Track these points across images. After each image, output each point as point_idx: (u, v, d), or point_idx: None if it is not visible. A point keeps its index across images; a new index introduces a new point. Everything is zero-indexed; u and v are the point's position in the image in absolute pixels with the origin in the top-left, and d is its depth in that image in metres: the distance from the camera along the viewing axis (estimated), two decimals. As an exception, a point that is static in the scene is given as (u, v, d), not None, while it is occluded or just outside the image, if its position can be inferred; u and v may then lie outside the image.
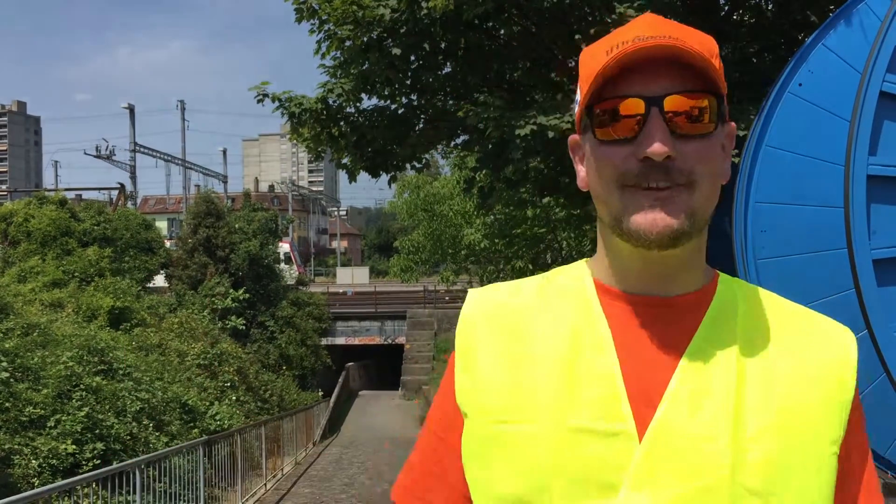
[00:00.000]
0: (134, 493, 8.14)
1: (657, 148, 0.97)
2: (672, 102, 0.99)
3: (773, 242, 6.18)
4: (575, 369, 1.03)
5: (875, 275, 4.88)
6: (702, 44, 1.01)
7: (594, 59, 1.03)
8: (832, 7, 8.39)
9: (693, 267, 1.08)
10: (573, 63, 10.51)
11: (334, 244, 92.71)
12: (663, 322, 1.05)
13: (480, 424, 1.06)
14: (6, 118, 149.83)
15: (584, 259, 1.17)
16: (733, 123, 1.09)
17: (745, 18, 10.45)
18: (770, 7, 10.15)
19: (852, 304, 5.13)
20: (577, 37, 9.75)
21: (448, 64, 9.61)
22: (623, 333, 1.05)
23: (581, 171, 1.11)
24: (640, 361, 1.02)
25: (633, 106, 0.99)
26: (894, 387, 4.94)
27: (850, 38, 6.31)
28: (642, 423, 0.99)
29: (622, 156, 1.01)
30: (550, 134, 7.40)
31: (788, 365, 1.03)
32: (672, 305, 1.06)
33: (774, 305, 1.10)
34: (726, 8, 9.80)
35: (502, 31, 8.97)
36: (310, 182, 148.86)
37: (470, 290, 1.20)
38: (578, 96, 1.08)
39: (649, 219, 0.99)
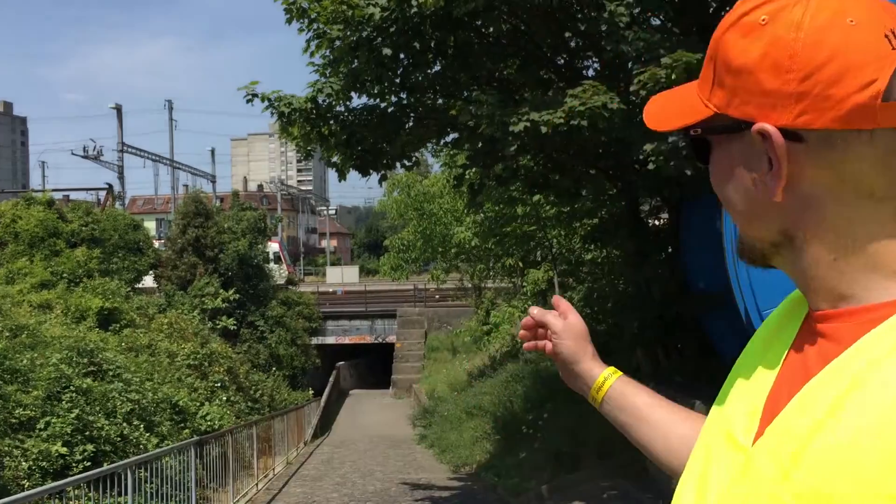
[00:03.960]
0: (125, 494, 8.11)
1: None
2: None
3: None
4: (753, 373, 0.97)
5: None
6: None
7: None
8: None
9: (826, 279, 0.89)
10: (562, 60, 10.53)
11: (324, 243, 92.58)
12: (815, 339, 0.91)
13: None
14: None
15: None
16: None
17: (713, 26, 10.47)
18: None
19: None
20: (566, 34, 9.77)
21: (438, 62, 9.60)
22: (798, 346, 0.94)
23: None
24: (786, 381, 0.92)
25: None
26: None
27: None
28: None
29: None
30: (543, 129, 7.40)
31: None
32: (823, 319, 0.90)
33: None
34: (714, 5, 9.82)
35: (492, 29, 8.96)
36: (299, 181, 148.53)
37: None
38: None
39: None
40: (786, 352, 0.94)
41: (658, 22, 9.57)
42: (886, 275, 0.86)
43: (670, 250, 10.69)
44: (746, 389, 0.97)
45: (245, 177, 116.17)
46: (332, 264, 75.45)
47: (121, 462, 8.76)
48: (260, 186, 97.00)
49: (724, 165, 0.91)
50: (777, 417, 0.88)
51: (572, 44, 10.03)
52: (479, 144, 8.96)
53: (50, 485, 7.34)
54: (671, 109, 0.94)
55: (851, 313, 0.87)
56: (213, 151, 58.48)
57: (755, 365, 0.98)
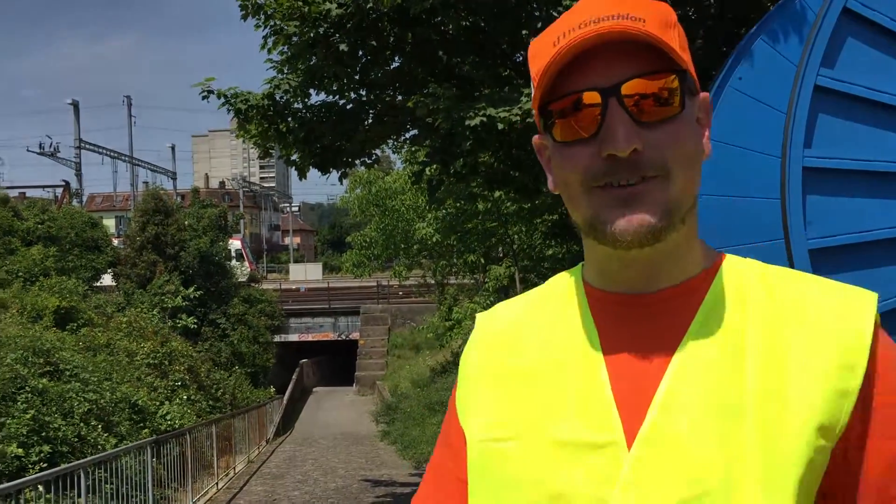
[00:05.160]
0: (80, 495, 8.02)
1: (620, 144, 0.90)
2: (630, 89, 0.91)
3: (713, 234, 6.30)
4: (560, 379, 0.98)
5: (811, 264, 5.02)
6: (655, 16, 0.94)
7: (542, 52, 0.96)
8: (771, 2, 8.57)
9: (681, 256, 0.99)
10: (520, 58, 10.58)
11: (287, 240, 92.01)
12: (650, 320, 0.98)
13: (476, 444, 1.02)
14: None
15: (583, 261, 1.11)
16: (706, 94, 1.01)
17: (689, 14, 10.61)
18: (712, 1, 10.30)
19: (790, 292, 5.26)
20: (524, 32, 9.82)
21: (396, 58, 9.59)
22: (611, 337, 0.99)
23: (550, 174, 1.03)
24: (628, 365, 0.96)
25: (589, 100, 0.92)
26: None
27: (787, 33, 6.48)
28: (632, 431, 0.92)
29: (585, 156, 0.94)
30: (500, 125, 7.44)
31: (792, 354, 0.92)
32: (658, 300, 0.98)
33: (788, 285, 0.98)
34: (668, 2, 9.94)
35: (450, 26, 8.98)
36: (261, 178, 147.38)
37: (477, 314, 1.17)
38: (533, 93, 0.99)
39: (623, 219, 0.92)
40: (599, 354, 0.98)
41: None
42: (702, 249, 1.03)
43: (628, 246, 10.81)
44: (552, 395, 0.97)
45: (207, 174, 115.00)
46: (296, 261, 75.01)
47: (76, 462, 8.66)
48: (222, 183, 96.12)
49: (693, 121, 0.97)
50: (664, 392, 0.93)
51: (530, 41, 10.09)
52: (438, 141, 8.98)
53: (2, 486, 7.24)
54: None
55: (688, 286, 0.99)
56: (173, 148, 57.76)
57: (530, 376, 1.00)
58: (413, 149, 14.61)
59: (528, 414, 0.98)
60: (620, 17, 0.91)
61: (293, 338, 34.53)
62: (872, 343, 0.92)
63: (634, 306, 0.99)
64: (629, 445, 0.92)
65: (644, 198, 0.92)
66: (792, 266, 5.06)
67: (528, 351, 1.03)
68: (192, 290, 26.80)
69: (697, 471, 0.89)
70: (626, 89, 0.91)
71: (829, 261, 5.06)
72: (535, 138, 1.06)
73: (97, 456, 9.30)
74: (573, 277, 1.08)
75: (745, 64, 6.61)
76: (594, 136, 0.93)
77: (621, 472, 0.91)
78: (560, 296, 1.07)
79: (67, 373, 12.87)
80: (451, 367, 22.01)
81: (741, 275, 1.00)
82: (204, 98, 8.96)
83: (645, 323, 0.98)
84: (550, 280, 1.13)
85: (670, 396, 0.92)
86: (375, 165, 12.96)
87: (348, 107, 9.88)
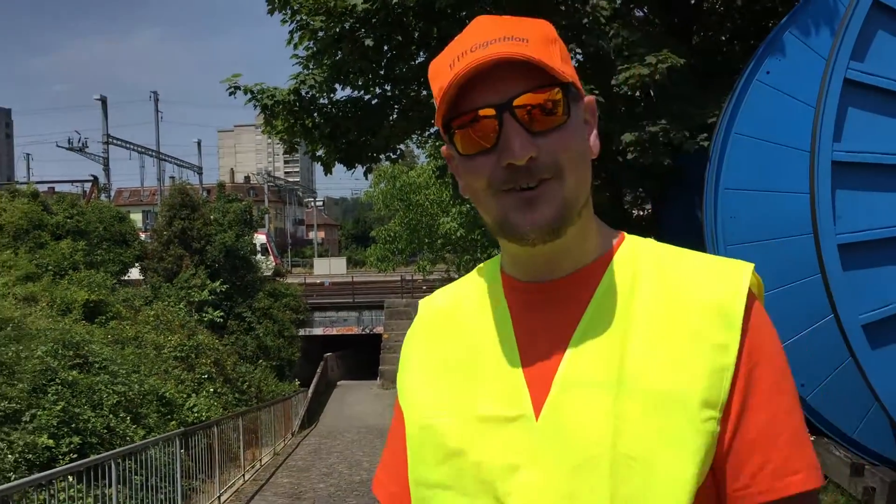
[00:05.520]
0: (110, 485, 8.12)
1: (517, 153, 1.01)
2: (521, 103, 1.01)
3: (742, 228, 6.27)
4: (481, 362, 1.11)
5: (840, 259, 4.95)
6: (537, 35, 1.04)
7: (440, 74, 1.06)
8: (800, -5, 8.46)
9: (579, 246, 1.10)
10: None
11: (311, 235, 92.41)
12: (553, 305, 1.09)
13: (412, 422, 1.15)
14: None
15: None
16: (590, 97, 1.12)
17: (717, 7, 10.54)
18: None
19: (819, 288, 5.22)
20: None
21: (421, 53, 9.61)
22: (522, 322, 1.11)
23: (460, 180, 1.13)
24: (536, 347, 1.08)
25: (486, 115, 1.02)
26: (860, 368, 5.03)
27: (816, 26, 6.41)
28: (539, 406, 1.05)
29: (488, 165, 1.04)
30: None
31: (675, 332, 1.02)
32: (560, 287, 1.10)
33: (674, 264, 1.09)
34: (696, -3, 9.86)
35: (475, 21, 8.98)
36: (286, 172, 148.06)
37: (420, 301, 1.29)
38: (436, 111, 1.10)
39: (526, 219, 1.03)
40: (512, 338, 1.10)
41: (642, 14, 9.62)
42: (600, 236, 1.13)
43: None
44: (475, 376, 1.10)
45: (232, 168, 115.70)
46: (320, 256, 75.32)
47: (106, 453, 8.76)
48: (247, 178, 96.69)
49: (580, 125, 1.08)
50: (563, 371, 1.04)
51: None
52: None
53: (35, 476, 7.34)
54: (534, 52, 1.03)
55: (586, 272, 1.10)
56: (199, 143, 58.15)
57: (457, 360, 1.13)
58: (437, 143, 14.61)
59: (455, 394, 1.11)
60: (507, 38, 1.02)
61: (318, 331, 34.65)
62: (745, 318, 1.03)
63: (540, 293, 1.11)
64: (537, 419, 1.04)
65: (543, 199, 1.03)
66: (821, 262, 5.02)
67: (455, 336, 1.16)
68: (218, 283, 26.99)
69: (587, 440, 1.01)
70: (517, 103, 1.01)
71: (859, 256, 5.00)
72: (444, 149, 1.15)
73: (126, 447, 9.41)
74: (494, 267, 1.20)
75: (774, 57, 6.56)
76: (494, 146, 1.03)
77: (529, 442, 1.03)
78: (483, 284, 1.19)
79: (97, 365, 13.04)
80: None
81: (634, 257, 1.11)
82: (231, 94, 9.03)
83: (549, 308, 1.10)
84: (478, 268, 1.24)
85: (567, 375, 1.04)
86: (400, 160, 12.99)
87: (373, 102, 9.91)
